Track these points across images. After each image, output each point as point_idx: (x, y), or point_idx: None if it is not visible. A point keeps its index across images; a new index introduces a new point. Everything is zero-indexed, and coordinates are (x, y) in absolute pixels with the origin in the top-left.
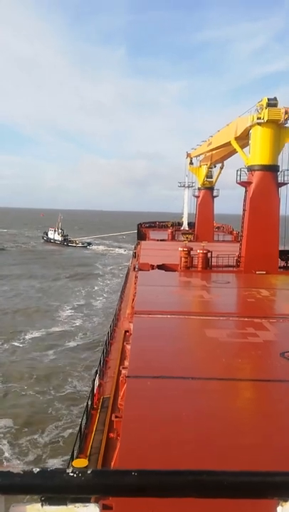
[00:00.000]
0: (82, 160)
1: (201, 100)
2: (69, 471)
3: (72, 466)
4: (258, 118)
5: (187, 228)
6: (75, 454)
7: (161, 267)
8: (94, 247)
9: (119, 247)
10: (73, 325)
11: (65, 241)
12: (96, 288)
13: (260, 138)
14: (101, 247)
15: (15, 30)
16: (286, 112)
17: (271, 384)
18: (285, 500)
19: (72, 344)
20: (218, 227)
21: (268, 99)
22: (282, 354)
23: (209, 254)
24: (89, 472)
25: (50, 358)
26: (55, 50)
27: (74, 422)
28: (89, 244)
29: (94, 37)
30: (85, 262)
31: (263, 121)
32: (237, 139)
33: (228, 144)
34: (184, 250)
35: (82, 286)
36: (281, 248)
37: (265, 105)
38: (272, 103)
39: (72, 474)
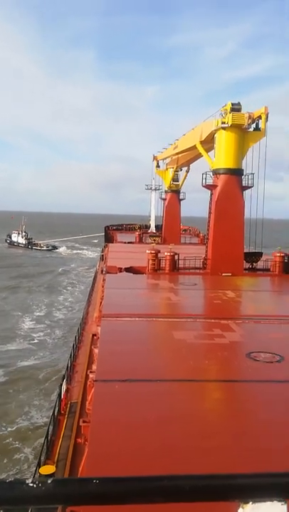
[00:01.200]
0: (57, 164)
1: (175, 104)
2: (29, 481)
3: (39, 473)
4: (223, 122)
5: (154, 231)
6: (42, 460)
7: (128, 269)
8: (61, 249)
9: (88, 250)
10: (32, 340)
11: (29, 244)
12: (60, 297)
13: (225, 142)
14: (68, 251)
15: None
16: (249, 117)
17: (238, 384)
18: (246, 502)
19: (28, 363)
20: (184, 230)
21: (232, 104)
22: (248, 355)
23: (176, 257)
24: (49, 482)
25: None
26: (25, 53)
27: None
28: (54, 247)
29: (65, 40)
30: (47, 267)
31: (227, 125)
32: (202, 142)
33: (194, 147)
34: (151, 253)
35: (44, 294)
36: (246, 250)
37: (229, 110)
38: (236, 108)
39: (32, 485)
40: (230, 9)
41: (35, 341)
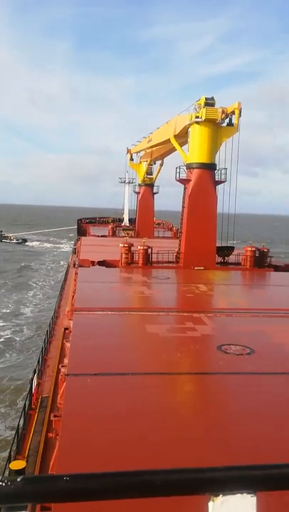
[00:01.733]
0: (31, 155)
1: (151, 97)
2: None
3: (9, 469)
4: (196, 117)
5: (128, 224)
6: (12, 455)
7: (101, 263)
8: (33, 243)
9: (60, 243)
10: None
11: None
12: (29, 293)
13: (198, 136)
14: (40, 244)
15: None
16: (223, 112)
17: (209, 377)
18: (216, 495)
19: None
20: (158, 224)
21: (206, 99)
22: (219, 347)
23: (149, 250)
24: (19, 480)
25: None
26: None
27: None
28: (25, 240)
29: (39, 29)
30: (16, 261)
31: (200, 120)
32: (176, 136)
33: (168, 141)
34: (124, 246)
35: (12, 291)
36: (218, 244)
37: (202, 104)
38: (209, 102)
39: (0, 483)
40: (208, 3)
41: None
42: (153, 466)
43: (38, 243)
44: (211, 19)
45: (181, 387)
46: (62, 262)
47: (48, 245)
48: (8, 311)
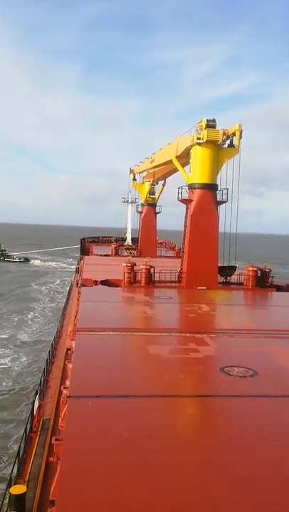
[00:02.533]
0: (38, 175)
1: (156, 119)
2: None
3: (10, 493)
4: (198, 138)
5: (131, 244)
6: (13, 479)
7: (104, 282)
8: (36, 262)
9: (63, 262)
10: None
11: (2, 256)
12: (28, 316)
13: (200, 157)
14: (43, 263)
15: None
16: (224, 134)
17: (212, 399)
18: None
19: None
20: (160, 243)
21: (207, 121)
22: (222, 369)
23: (152, 270)
24: None
25: None
26: (10, 66)
27: None
28: (27, 259)
29: (49, 54)
30: (18, 281)
31: (202, 141)
32: (178, 157)
33: (170, 162)
34: (127, 266)
35: (12, 312)
36: (220, 264)
37: (204, 126)
38: (211, 124)
39: None
40: (212, 28)
41: None
42: (155, 491)
43: (40, 262)
44: (215, 44)
45: (184, 410)
46: (61, 282)
47: (51, 264)
48: (6, 335)
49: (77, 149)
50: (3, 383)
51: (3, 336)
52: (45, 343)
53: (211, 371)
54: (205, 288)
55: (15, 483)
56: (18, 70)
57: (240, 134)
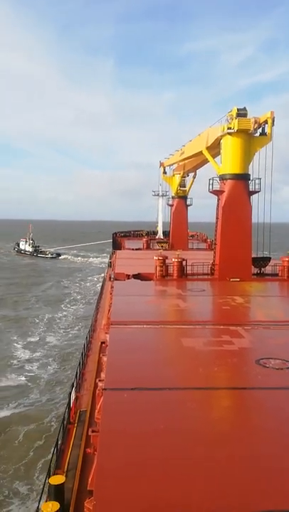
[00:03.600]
0: (76, 171)
1: (191, 110)
2: None
3: (49, 483)
4: (229, 128)
5: (162, 237)
6: (51, 470)
7: (136, 276)
8: (68, 257)
9: (95, 257)
10: (18, 378)
11: (36, 252)
12: (59, 314)
13: (231, 147)
14: (74, 258)
15: (5, 47)
16: (255, 122)
17: (247, 392)
18: None
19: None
20: (192, 236)
21: (238, 110)
22: (258, 361)
23: (184, 263)
24: None
25: None
26: (45, 64)
27: None
28: (58, 254)
29: (83, 48)
30: (51, 275)
31: (233, 130)
32: (208, 148)
33: (200, 153)
34: (159, 259)
35: (43, 309)
36: (254, 255)
37: (235, 115)
38: (241, 113)
39: None
40: (248, 13)
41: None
42: (190, 483)
43: (72, 257)
44: (251, 30)
45: (219, 403)
46: (92, 275)
47: (82, 259)
48: (35, 338)
49: (113, 144)
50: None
51: (34, 338)
52: (70, 348)
53: (246, 363)
54: (238, 280)
55: (54, 474)
56: (53, 66)
57: (273, 121)
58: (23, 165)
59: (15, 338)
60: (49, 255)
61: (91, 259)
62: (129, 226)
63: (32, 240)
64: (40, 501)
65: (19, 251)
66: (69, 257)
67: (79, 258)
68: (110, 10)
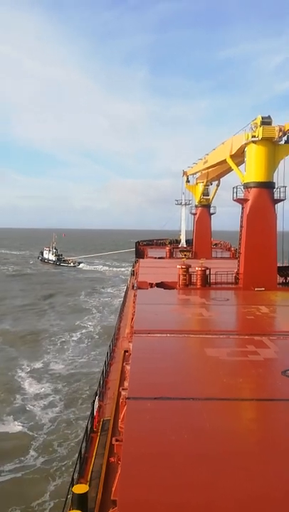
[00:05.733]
0: (111, 180)
1: (225, 117)
2: None
3: (73, 492)
4: (253, 136)
5: (185, 245)
6: (75, 478)
7: (159, 284)
8: (96, 267)
9: (119, 267)
10: (24, 420)
11: (59, 260)
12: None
13: (255, 155)
14: (95, 266)
15: (44, 58)
16: (280, 130)
17: (273, 404)
18: None
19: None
20: (215, 244)
21: (262, 118)
22: (284, 372)
23: (208, 272)
24: None
25: None
26: (80, 73)
27: None
28: (79, 263)
29: (118, 57)
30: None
31: (257, 139)
32: (232, 156)
33: (224, 161)
34: (182, 268)
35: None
36: (279, 264)
37: (259, 123)
38: (266, 121)
39: None
40: (281, 17)
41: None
42: (214, 493)
43: (93, 266)
44: (286, 34)
45: (244, 414)
46: (112, 286)
47: (104, 268)
48: (41, 364)
49: (148, 152)
50: None
51: (40, 364)
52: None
53: (272, 374)
54: (263, 289)
55: (77, 483)
56: (88, 77)
57: None
58: (57, 174)
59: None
60: (72, 264)
61: (114, 269)
62: (162, 235)
63: (55, 248)
64: (64, 510)
65: (43, 260)
66: (88, 267)
67: (100, 267)
68: (144, 19)
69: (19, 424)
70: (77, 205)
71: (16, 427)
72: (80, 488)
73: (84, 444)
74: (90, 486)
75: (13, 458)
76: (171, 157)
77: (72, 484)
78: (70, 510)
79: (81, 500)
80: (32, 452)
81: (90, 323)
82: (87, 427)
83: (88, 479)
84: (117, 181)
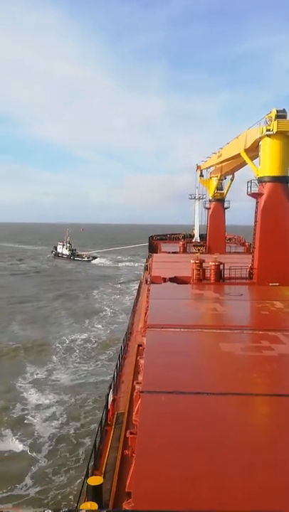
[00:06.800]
0: (129, 176)
1: (244, 111)
2: None
3: (87, 484)
4: (267, 130)
5: (199, 240)
6: (90, 470)
7: (173, 279)
8: (102, 260)
9: (133, 261)
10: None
11: (72, 255)
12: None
13: (270, 149)
14: (108, 261)
15: (61, 56)
16: None
17: (287, 399)
18: None
19: None
20: (229, 239)
21: (277, 111)
22: None
23: (221, 266)
24: None
25: None
26: (98, 70)
27: None
28: (94, 257)
29: (134, 53)
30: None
31: (272, 132)
32: (247, 150)
33: (238, 155)
34: (195, 262)
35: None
36: None
37: (274, 117)
38: (281, 115)
39: None
40: None
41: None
42: (228, 487)
43: (105, 260)
44: None
45: (258, 409)
46: (123, 281)
47: (115, 262)
48: (43, 374)
49: (166, 147)
50: None
51: (42, 374)
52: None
53: (286, 370)
54: (278, 284)
55: (92, 475)
56: (105, 73)
57: None
58: (75, 170)
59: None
60: (86, 258)
61: (129, 263)
62: (176, 229)
63: (69, 243)
64: (78, 501)
65: (56, 254)
66: (103, 261)
67: (113, 262)
68: (160, 14)
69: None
70: (95, 201)
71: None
72: (95, 480)
73: (98, 437)
74: (104, 478)
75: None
76: (190, 152)
77: (86, 476)
78: (84, 501)
79: (96, 492)
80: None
81: (98, 326)
82: (101, 420)
83: (103, 471)
84: (135, 177)
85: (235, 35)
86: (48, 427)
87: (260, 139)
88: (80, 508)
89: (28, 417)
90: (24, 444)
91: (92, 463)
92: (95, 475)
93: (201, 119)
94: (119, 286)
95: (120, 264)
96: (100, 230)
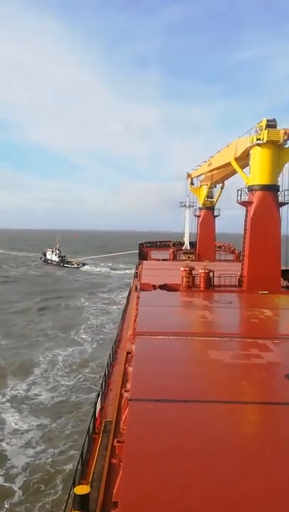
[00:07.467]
0: (124, 182)
1: (239, 120)
2: None
3: (74, 493)
4: (258, 139)
5: (189, 248)
6: (76, 479)
7: (163, 286)
8: (91, 268)
9: (123, 269)
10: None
11: (62, 262)
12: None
13: (260, 158)
14: (96, 268)
15: (58, 63)
16: (285, 133)
17: (277, 407)
18: None
19: None
20: (219, 247)
21: (267, 121)
22: (287, 376)
23: (211, 274)
24: None
25: None
26: (93, 77)
27: None
28: (84, 265)
29: (129, 60)
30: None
31: (262, 142)
32: (237, 159)
33: (228, 164)
34: (185, 270)
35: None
36: (283, 268)
37: (264, 126)
38: (271, 124)
39: None
40: None
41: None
42: (217, 495)
43: (93, 267)
44: None
45: (247, 417)
46: (111, 290)
47: (105, 270)
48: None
49: (161, 155)
50: None
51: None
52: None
53: (275, 378)
54: (267, 292)
55: (79, 484)
56: (101, 80)
57: None
58: (71, 176)
59: None
60: (75, 265)
61: (119, 271)
62: (174, 236)
63: (58, 250)
64: (64, 511)
65: (46, 261)
66: (92, 268)
67: (104, 269)
68: (156, 23)
69: None
70: (90, 207)
71: None
72: (82, 489)
73: (86, 446)
74: (91, 487)
75: None
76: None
77: (73, 485)
78: (71, 511)
79: (82, 501)
80: None
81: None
82: (89, 428)
83: (90, 480)
84: (130, 183)
85: (232, 43)
86: None
87: (251, 147)
88: None
89: None
90: None
91: (79, 472)
92: (82, 484)
93: (196, 128)
94: (105, 295)
95: (112, 272)
96: (96, 236)
